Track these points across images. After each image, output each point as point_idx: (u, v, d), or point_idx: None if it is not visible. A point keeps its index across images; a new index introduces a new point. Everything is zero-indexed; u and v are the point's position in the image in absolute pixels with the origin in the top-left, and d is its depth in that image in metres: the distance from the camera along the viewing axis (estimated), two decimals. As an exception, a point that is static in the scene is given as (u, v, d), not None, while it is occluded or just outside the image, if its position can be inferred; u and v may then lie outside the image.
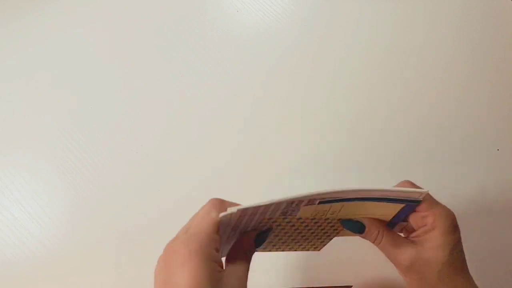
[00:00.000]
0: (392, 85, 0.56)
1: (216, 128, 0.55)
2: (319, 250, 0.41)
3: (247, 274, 0.33)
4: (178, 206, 0.51)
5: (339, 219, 0.36)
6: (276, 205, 0.31)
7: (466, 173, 0.54)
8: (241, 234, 0.35)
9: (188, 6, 0.58)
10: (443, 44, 0.57)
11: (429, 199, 0.35)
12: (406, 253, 0.34)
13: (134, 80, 0.56)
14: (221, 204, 0.32)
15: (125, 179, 0.53)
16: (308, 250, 0.40)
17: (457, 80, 0.56)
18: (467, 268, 0.34)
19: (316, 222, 0.37)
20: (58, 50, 0.57)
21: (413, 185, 0.37)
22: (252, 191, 0.53)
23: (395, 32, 0.57)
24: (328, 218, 0.36)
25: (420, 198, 0.35)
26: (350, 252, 0.54)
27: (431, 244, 0.33)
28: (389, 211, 0.36)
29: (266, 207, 0.31)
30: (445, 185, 0.54)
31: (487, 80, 0.56)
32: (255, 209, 0.31)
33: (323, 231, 0.38)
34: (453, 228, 0.34)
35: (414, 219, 0.36)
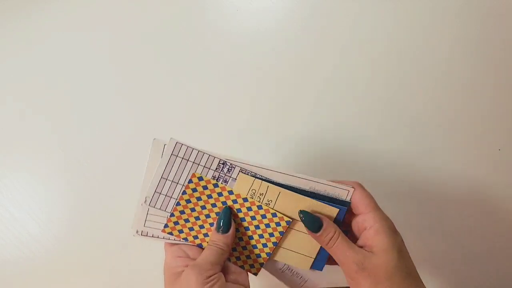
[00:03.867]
0: (391, 85, 0.56)
1: (216, 127, 0.55)
2: (256, 271, 0.39)
3: (212, 260, 0.34)
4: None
5: (299, 211, 0.36)
6: (208, 157, 0.36)
7: (467, 173, 0.54)
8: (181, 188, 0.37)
9: (188, 6, 0.58)
10: (444, 43, 0.57)
11: (367, 202, 0.35)
12: (358, 256, 0.33)
13: (134, 80, 0.56)
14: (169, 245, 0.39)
15: (124, 179, 0.53)
16: (246, 265, 0.39)
17: (458, 80, 0.56)
18: (416, 272, 0.34)
19: (251, 210, 0.37)
20: (57, 51, 0.57)
21: (360, 186, 0.37)
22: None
23: (395, 32, 0.57)
24: (264, 206, 0.37)
25: (348, 198, 0.36)
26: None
27: (379, 248, 0.33)
28: (327, 213, 0.36)
29: (199, 153, 0.36)
30: (445, 185, 0.54)
31: (488, 80, 0.56)
32: (188, 151, 0.36)
33: (266, 227, 0.38)
34: (394, 230, 0.34)
35: (354, 223, 0.36)
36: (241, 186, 0.37)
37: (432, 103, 0.56)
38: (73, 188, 0.53)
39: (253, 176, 0.37)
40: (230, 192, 0.37)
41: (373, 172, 0.55)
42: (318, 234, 0.35)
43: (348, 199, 0.36)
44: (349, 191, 0.36)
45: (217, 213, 0.38)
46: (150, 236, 0.38)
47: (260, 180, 0.37)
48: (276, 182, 0.37)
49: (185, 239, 0.38)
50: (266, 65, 0.57)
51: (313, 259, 0.38)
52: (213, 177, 0.37)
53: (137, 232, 0.38)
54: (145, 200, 0.37)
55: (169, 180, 0.37)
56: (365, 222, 0.34)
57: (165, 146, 0.36)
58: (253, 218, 0.38)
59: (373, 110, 0.56)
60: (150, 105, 0.56)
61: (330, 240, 0.34)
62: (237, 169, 0.37)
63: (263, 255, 0.38)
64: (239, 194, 0.37)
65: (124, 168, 0.54)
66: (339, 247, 0.34)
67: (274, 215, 0.37)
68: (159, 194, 0.37)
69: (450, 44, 0.57)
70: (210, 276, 0.33)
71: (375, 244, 0.33)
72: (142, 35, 0.57)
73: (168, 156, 0.36)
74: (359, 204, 0.36)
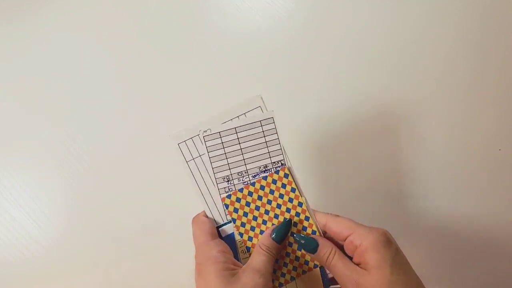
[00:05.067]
0: (391, 86, 0.56)
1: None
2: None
3: (269, 267, 0.34)
4: (177, 207, 0.50)
5: (294, 234, 0.36)
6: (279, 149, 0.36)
7: (468, 173, 0.54)
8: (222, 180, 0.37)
9: (188, 5, 0.58)
10: (444, 43, 0.57)
11: (346, 225, 0.35)
12: (353, 275, 0.33)
13: (133, 80, 0.56)
14: (199, 216, 0.37)
15: (123, 180, 0.53)
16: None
17: (458, 79, 0.56)
18: (415, 282, 0.33)
19: (306, 230, 0.37)
20: (57, 51, 0.57)
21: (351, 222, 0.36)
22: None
23: (395, 31, 0.57)
24: (318, 234, 0.37)
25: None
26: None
27: (371, 265, 0.32)
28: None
29: (276, 140, 0.36)
30: (446, 186, 0.54)
31: (489, 80, 0.56)
32: (271, 130, 0.36)
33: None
34: (385, 243, 0.33)
35: (346, 247, 0.36)
36: (305, 203, 0.37)
37: (432, 103, 0.56)
38: (73, 189, 0.53)
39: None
40: (300, 204, 0.37)
41: (372, 172, 0.55)
42: (315, 254, 0.35)
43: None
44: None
45: (275, 215, 0.37)
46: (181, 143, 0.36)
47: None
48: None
49: (234, 220, 0.37)
50: (266, 64, 0.57)
51: None
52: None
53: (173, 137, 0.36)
54: (206, 131, 0.36)
55: (236, 136, 0.37)
56: (354, 242, 0.34)
57: (260, 107, 0.36)
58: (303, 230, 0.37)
59: (373, 110, 0.56)
60: (150, 105, 0.56)
61: (327, 258, 0.35)
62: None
63: (287, 276, 0.38)
64: (305, 210, 0.37)
65: (124, 168, 0.53)
66: (336, 265, 0.34)
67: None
68: (219, 138, 0.36)
69: (450, 44, 0.57)
70: (268, 284, 0.33)
71: (367, 262, 0.33)
72: (142, 35, 0.57)
73: (255, 120, 0.36)
74: (340, 231, 0.35)
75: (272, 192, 0.37)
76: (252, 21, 0.58)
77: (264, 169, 0.37)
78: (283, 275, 0.37)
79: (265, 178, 0.37)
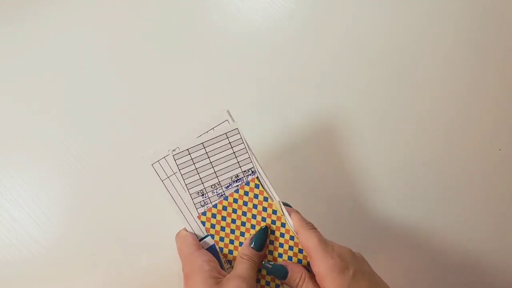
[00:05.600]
0: (391, 86, 0.56)
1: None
2: None
3: (252, 273, 0.35)
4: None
5: (263, 262, 0.37)
6: (249, 158, 0.37)
7: (468, 173, 0.54)
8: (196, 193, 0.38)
9: (188, 5, 0.58)
10: (444, 43, 0.57)
11: (306, 245, 0.35)
12: None
13: (133, 80, 0.56)
14: (180, 231, 0.39)
15: (123, 180, 0.53)
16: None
17: (458, 79, 0.56)
18: None
19: (283, 236, 0.38)
20: (56, 51, 0.57)
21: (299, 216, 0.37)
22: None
23: (395, 31, 0.57)
24: (296, 239, 0.37)
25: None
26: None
27: None
28: None
29: (244, 149, 0.37)
30: (446, 186, 0.54)
31: (489, 80, 0.56)
32: (238, 141, 0.37)
33: (288, 259, 0.38)
34: (340, 269, 0.33)
35: (311, 268, 0.36)
36: (278, 209, 0.38)
37: (432, 103, 0.56)
38: (73, 189, 0.53)
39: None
40: (274, 212, 0.38)
41: (369, 170, 0.55)
42: (286, 280, 0.36)
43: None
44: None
45: (252, 226, 0.38)
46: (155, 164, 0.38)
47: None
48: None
49: (212, 236, 0.38)
50: (266, 64, 0.57)
51: None
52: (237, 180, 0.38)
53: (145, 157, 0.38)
54: (174, 149, 0.37)
55: (204, 151, 0.38)
56: (314, 267, 0.35)
57: (227, 121, 0.38)
58: (281, 245, 0.38)
59: (372, 110, 0.56)
60: (150, 104, 0.55)
61: (297, 285, 0.35)
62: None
63: (272, 284, 0.38)
64: (280, 217, 0.38)
65: (124, 168, 0.53)
66: None
67: (300, 251, 0.38)
68: (188, 154, 0.38)
69: (450, 44, 0.57)
70: None
71: None
72: (142, 35, 0.57)
73: (220, 133, 0.37)
74: (304, 248, 0.36)
75: (245, 203, 0.38)
76: (252, 21, 0.58)
77: (236, 179, 0.38)
78: (268, 283, 0.38)
79: (236, 191, 0.38)
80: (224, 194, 0.38)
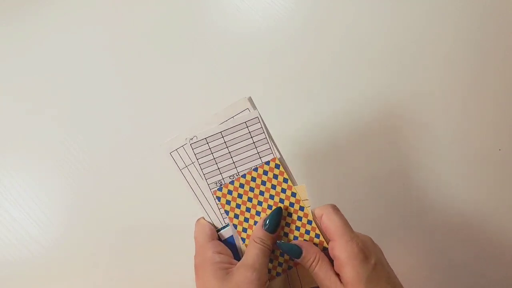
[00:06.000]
0: (390, 86, 0.56)
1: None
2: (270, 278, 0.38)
3: (263, 260, 0.34)
4: (177, 207, 0.50)
5: (276, 242, 0.36)
6: (271, 148, 0.36)
7: (468, 173, 0.54)
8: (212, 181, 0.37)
9: (188, 5, 0.58)
10: (444, 43, 0.57)
11: (334, 229, 0.34)
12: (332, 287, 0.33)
13: (133, 80, 0.56)
14: (200, 218, 0.38)
15: (123, 180, 0.53)
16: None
17: (458, 79, 0.56)
18: None
19: (300, 220, 0.37)
20: (56, 51, 0.57)
21: (335, 209, 0.36)
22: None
23: (395, 31, 0.57)
24: (314, 224, 0.37)
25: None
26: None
27: (346, 281, 0.32)
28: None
29: (265, 139, 0.36)
30: (446, 185, 0.54)
31: (489, 80, 0.56)
32: (258, 131, 0.36)
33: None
34: (363, 258, 0.33)
35: (330, 252, 0.35)
36: (300, 193, 0.37)
37: (432, 103, 0.56)
38: (73, 189, 0.53)
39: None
40: (293, 194, 0.37)
41: (372, 171, 0.55)
42: (299, 260, 0.35)
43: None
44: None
45: (269, 206, 0.37)
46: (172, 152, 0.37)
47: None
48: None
49: (227, 212, 0.37)
50: (266, 64, 0.57)
51: None
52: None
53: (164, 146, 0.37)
54: (192, 138, 0.37)
55: (223, 140, 0.37)
56: (334, 251, 0.34)
57: (247, 109, 0.36)
58: (297, 228, 0.37)
59: (372, 110, 0.56)
60: (150, 104, 0.55)
61: (310, 265, 0.35)
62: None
63: (285, 265, 0.37)
64: (299, 200, 0.37)
65: (124, 168, 0.53)
66: (318, 274, 0.34)
67: (317, 236, 0.37)
68: (206, 144, 0.37)
69: (450, 44, 0.57)
70: (262, 277, 0.33)
71: (343, 276, 0.33)
72: (142, 35, 0.57)
73: (240, 121, 0.36)
74: (327, 230, 0.35)
75: (263, 183, 0.37)
76: (252, 21, 0.58)
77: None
78: (280, 264, 0.37)
79: (255, 169, 0.37)
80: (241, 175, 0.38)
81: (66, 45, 0.57)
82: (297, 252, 0.35)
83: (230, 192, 0.37)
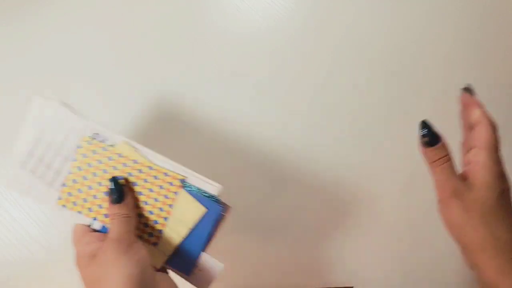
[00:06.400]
0: (391, 86, 0.56)
1: (217, 126, 0.55)
2: (155, 240, 0.37)
3: (123, 230, 0.34)
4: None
5: (423, 121, 0.35)
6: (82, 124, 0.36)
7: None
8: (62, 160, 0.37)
9: (188, 5, 0.58)
10: (444, 43, 0.57)
11: (488, 139, 0.34)
12: (458, 186, 0.33)
13: (135, 80, 0.56)
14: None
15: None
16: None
17: (458, 79, 0.56)
18: None
19: (142, 172, 0.36)
20: (57, 51, 0.57)
21: None
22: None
23: (394, 31, 0.57)
24: (155, 166, 0.36)
25: (215, 193, 0.36)
26: (350, 252, 0.54)
27: (481, 183, 0.32)
28: (190, 213, 0.36)
29: (77, 120, 0.36)
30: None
31: (489, 80, 0.56)
32: (66, 117, 0.36)
33: (160, 189, 0.36)
34: (503, 175, 0.33)
35: (465, 155, 0.35)
36: (126, 151, 0.36)
37: (432, 103, 0.56)
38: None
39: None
40: (120, 155, 0.36)
41: (368, 169, 0.55)
42: (432, 148, 0.34)
43: (215, 193, 0.36)
44: (216, 187, 0.36)
45: (110, 180, 0.36)
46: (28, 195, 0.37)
47: (142, 156, 0.36)
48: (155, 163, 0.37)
49: (80, 212, 0.36)
50: (266, 64, 0.57)
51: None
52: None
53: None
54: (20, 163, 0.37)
55: (45, 143, 0.37)
56: (477, 156, 0.33)
57: (45, 107, 0.36)
58: (145, 181, 0.36)
59: (372, 110, 0.56)
60: (150, 105, 0.55)
61: (442, 157, 0.34)
62: (109, 142, 0.37)
63: (161, 220, 0.36)
64: (127, 157, 0.36)
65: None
66: (444, 170, 0.34)
67: (166, 174, 0.36)
68: (32, 157, 0.37)
69: (450, 44, 0.57)
70: (131, 245, 0.33)
71: (478, 177, 0.33)
72: (142, 35, 0.57)
73: (46, 118, 0.36)
74: (480, 138, 0.34)
75: (89, 165, 0.36)
76: (252, 21, 0.58)
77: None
78: (156, 222, 0.37)
79: (73, 160, 0.36)
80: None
81: (66, 45, 0.57)
82: (437, 139, 0.35)
83: (69, 194, 0.37)
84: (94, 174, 0.36)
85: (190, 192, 0.36)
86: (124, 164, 0.36)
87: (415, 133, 0.50)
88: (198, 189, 0.36)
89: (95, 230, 0.37)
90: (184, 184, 0.36)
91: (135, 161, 0.36)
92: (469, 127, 0.36)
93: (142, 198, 0.37)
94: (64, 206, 0.37)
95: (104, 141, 0.37)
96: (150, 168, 0.36)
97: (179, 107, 0.56)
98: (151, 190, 0.36)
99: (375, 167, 0.55)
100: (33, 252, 0.51)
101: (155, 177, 0.36)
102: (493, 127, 0.35)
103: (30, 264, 0.51)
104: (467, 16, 0.57)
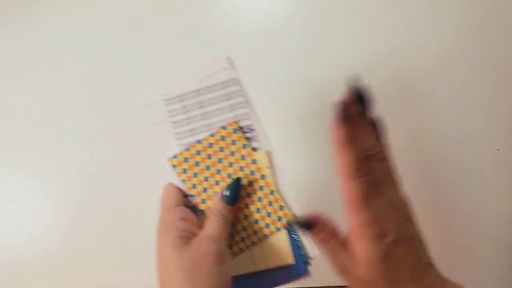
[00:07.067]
0: (391, 86, 0.56)
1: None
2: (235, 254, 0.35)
3: (222, 232, 0.32)
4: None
5: (288, 221, 0.33)
6: (247, 112, 0.33)
7: (467, 173, 0.54)
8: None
9: (188, 5, 0.58)
10: (444, 43, 0.57)
11: (354, 201, 0.30)
12: (346, 262, 0.31)
13: (135, 80, 0.56)
14: (169, 183, 0.36)
15: (125, 180, 0.53)
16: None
17: (457, 79, 0.56)
18: (409, 276, 0.30)
19: (263, 190, 0.34)
20: (57, 51, 0.57)
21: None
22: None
23: (394, 31, 0.57)
24: (277, 194, 0.33)
25: (312, 255, 0.33)
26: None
27: (361, 257, 0.30)
28: (278, 256, 0.33)
29: (244, 102, 0.33)
30: (445, 185, 0.54)
31: (488, 80, 0.56)
32: (237, 91, 0.34)
33: (267, 216, 0.34)
34: (380, 234, 0.29)
35: (346, 222, 0.33)
36: (261, 162, 0.34)
37: (432, 103, 0.56)
38: (74, 188, 0.53)
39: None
40: (254, 162, 0.34)
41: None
42: (312, 231, 0.33)
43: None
44: (317, 251, 0.33)
45: (228, 175, 0.34)
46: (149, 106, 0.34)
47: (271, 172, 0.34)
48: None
49: (183, 181, 0.34)
50: (266, 64, 0.57)
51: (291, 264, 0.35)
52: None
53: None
54: (165, 94, 0.34)
55: (198, 99, 0.33)
56: (349, 223, 0.31)
57: (228, 69, 0.33)
58: (259, 199, 0.34)
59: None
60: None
61: (322, 239, 0.32)
62: (254, 144, 0.34)
63: (248, 241, 0.34)
64: (260, 168, 0.34)
65: (125, 169, 0.53)
66: (330, 248, 0.32)
67: (281, 207, 0.34)
68: (180, 102, 0.34)
69: (450, 44, 0.57)
70: (224, 256, 0.32)
71: (357, 252, 0.30)
72: (142, 35, 0.57)
73: (217, 81, 0.33)
74: (345, 200, 0.32)
75: (221, 149, 0.34)
76: (252, 21, 0.58)
77: None
78: (243, 240, 0.34)
79: (212, 135, 0.34)
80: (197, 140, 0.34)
81: (66, 45, 0.57)
82: (310, 223, 0.32)
83: (186, 160, 0.34)
84: (219, 161, 0.34)
85: (291, 238, 0.34)
86: (252, 172, 0.34)
87: (415, 131, 0.50)
88: (300, 241, 0.34)
89: (185, 204, 0.35)
90: (289, 229, 0.34)
91: (263, 176, 0.34)
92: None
93: (245, 211, 0.35)
94: (174, 166, 0.34)
95: (250, 139, 0.34)
96: (272, 192, 0.34)
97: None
98: (258, 211, 0.34)
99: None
100: (33, 252, 0.51)
101: (270, 203, 0.34)
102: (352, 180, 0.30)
103: (31, 264, 0.51)
104: (467, 16, 0.57)
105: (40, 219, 0.52)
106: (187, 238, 0.32)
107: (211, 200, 0.34)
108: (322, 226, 0.33)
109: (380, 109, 0.56)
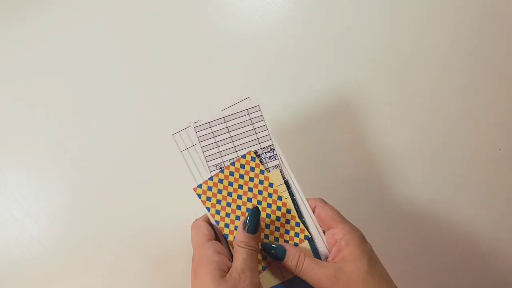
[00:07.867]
0: (391, 85, 0.56)
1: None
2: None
3: (251, 263, 0.34)
4: (179, 208, 0.50)
5: (260, 243, 0.37)
6: (265, 133, 0.39)
7: (468, 173, 0.54)
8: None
9: (188, 5, 0.58)
10: (444, 43, 0.57)
11: (332, 216, 0.37)
12: (330, 271, 0.34)
13: (134, 79, 0.56)
14: (197, 220, 0.38)
15: (125, 180, 0.53)
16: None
17: (457, 79, 0.56)
18: (389, 276, 0.36)
19: (280, 210, 0.38)
20: (57, 51, 0.57)
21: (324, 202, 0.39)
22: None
23: (394, 32, 0.57)
24: (293, 212, 0.38)
25: None
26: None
27: (350, 257, 0.35)
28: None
29: (263, 126, 0.38)
30: (445, 185, 0.54)
31: (488, 80, 0.56)
32: (257, 118, 0.39)
33: (285, 233, 0.38)
34: (363, 239, 0.36)
35: (327, 236, 0.38)
36: (277, 183, 0.38)
37: (431, 103, 0.56)
38: (74, 188, 0.53)
39: (284, 181, 0.38)
40: (271, 185, 0.38)
41: (367, 171, 0.55)
42: (284, 261, 0.36)
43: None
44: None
45: (248, 199, 0.38)
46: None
47: (286, 190, 0.38)
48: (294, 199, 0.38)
49: (208, 209, 0.38)
50: (266, 64, 0.57)
51: None
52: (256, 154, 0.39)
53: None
54: (196, 122, 0.39)
55: (225, 125, 0.39)
56: (336, 235, 0.36)
57: (248, 98, 0.39)
58: (277, 219, 0.38)
59: (372, 110, 0.56)
60: (151, 105, 0.56)
61: (297, 264, 0.35)
62: (275, 162, 0.39)
63: (269, 259, 0.37)
64: (277, 190, 0.38)
65: (126, 168, 0.53)
66: (308, 268, 0.35)
67: (297, 224, 0.38)
68: (210, 128, 0.39)
69: (450, 45, 0.57)
70: (258, 283, 0.34)
71: (346, 255, 0.35)
72: (142, 35, 0.57)
73: (242, 108, 0.38)
74: (326, 219, 0.37)
75: (241, 176, 0.38)
76: (252, 21, 0.58)
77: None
78: (265, 257, 0.37)
79: (232, 164, 0.38)
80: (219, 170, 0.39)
81: (66, 45, 0.57)
82: (281, 252, 0.36)
83: (210, 188, 0.38)
84: (240, 187, 0.38)
85: (312, 248, 0.38)
86: (270, 195, 0.38)
87: (415, 131, 0.50)
88: (318, 253, 0.38)
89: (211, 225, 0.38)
90: (308, 241, 0.38)
91: (279, 198, 0.38)
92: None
93: (266, 231, 0.38)
94: (199, 195, 0.38)
95: (271, 158, 0.39)
96: (288, 211, 0.38)
97: (179, 106, 0.56)
98: (277, 229, 0.38)
99: (373, 164, 0.55)
100: (33, 252, 0.51)
101: (287, 221, 0.38)
102: (324, 201, 0.39)
103: (30, 264, 0.51)
104: (467, 16, 0.57)
105: (40, 219, 0.52)
106: (223, 271, 0.34)
107: (234, 224, 0.38)
108: (293, 249, 0.36)
109: (380, 107, 0.56)
